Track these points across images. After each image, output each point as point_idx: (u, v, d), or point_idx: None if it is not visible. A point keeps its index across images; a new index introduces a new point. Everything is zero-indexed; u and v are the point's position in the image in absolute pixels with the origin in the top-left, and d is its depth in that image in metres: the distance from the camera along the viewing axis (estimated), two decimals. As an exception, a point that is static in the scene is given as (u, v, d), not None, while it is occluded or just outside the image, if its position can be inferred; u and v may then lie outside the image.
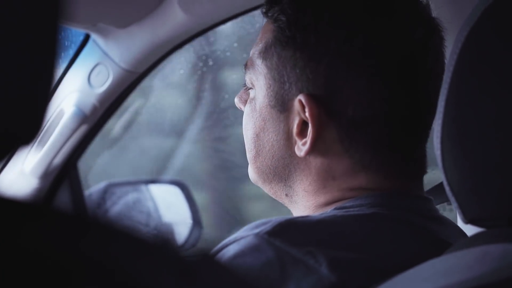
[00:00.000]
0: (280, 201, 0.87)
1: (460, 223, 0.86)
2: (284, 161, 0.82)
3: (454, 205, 0.65)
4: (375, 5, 0.80)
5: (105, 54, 1.47)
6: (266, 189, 0.88)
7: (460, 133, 0.63)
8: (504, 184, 0.61)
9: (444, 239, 0.77)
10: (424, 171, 0.84)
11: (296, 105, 0.80)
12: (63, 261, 0.24)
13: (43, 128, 1.55)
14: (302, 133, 0.80)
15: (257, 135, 0.84)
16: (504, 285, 0.56)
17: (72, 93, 1.52)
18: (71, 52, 1.51)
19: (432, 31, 0.83)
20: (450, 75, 0.63)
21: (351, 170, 0.80)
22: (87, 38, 1.48)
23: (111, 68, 1.48)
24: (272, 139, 0.83)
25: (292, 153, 0.82)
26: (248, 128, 0.86)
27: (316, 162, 0.81)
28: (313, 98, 0.79)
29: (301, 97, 0.79)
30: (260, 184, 0.88)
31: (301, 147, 0.80)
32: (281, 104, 0.81)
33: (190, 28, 1.39)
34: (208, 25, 1.40)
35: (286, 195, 0.85)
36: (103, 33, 1.44)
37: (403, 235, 0.74)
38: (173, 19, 1.36)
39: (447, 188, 0.64)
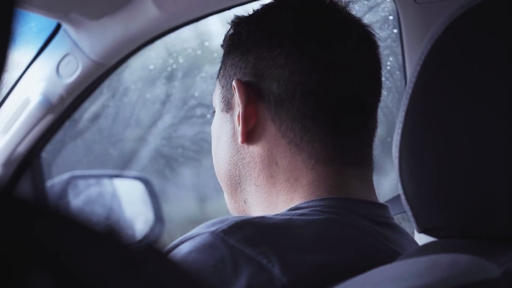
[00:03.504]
0: (242, 213, 0.88)
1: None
2: (232, 159, 0.86)
3: (409, 213, 0.66)
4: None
5: (75, 44, 1.46)
6: (231, 205, 0.90)
7: (418, 144, 0.64)
8: (457, 196, 0.62)
9: (394, 247, 0.78)
10: (371, 170, 0.85)
11: (236, 97, 0.85)
12: (6, 244, 0.24)
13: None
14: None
15: (215, 150, 0.90)
16: (451, 294, 0.57)
17: (40, 81, 1.51)
18: (40, 40, 1.50)
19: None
20: (412, 86, 0.64)
21: (288, 152, 0.82)
22: (58, 27, 1.47)
23: (80, 59, 1.47)
24: (223, 142, 0.87)
25: (238, 148, 0.85)
26: (212, 151, 0.91)
27: (257, 148, 0.84)
28: (242, 82, 0.84)
29: (233, 83, 0.84)
30: (228, 202, 0.91)
31: (239, 133, 0.84)
32: (227, 104, 0.87)
33: (162, 24, 1.39)
34: (180, 23, 1.40)
35: (245, 201, 0.87)
36: (74, 24, 1.43)
37: (355, 240, 0.75)
38: (145, 14, 1.35)
39: (402, 197, 0.65)
